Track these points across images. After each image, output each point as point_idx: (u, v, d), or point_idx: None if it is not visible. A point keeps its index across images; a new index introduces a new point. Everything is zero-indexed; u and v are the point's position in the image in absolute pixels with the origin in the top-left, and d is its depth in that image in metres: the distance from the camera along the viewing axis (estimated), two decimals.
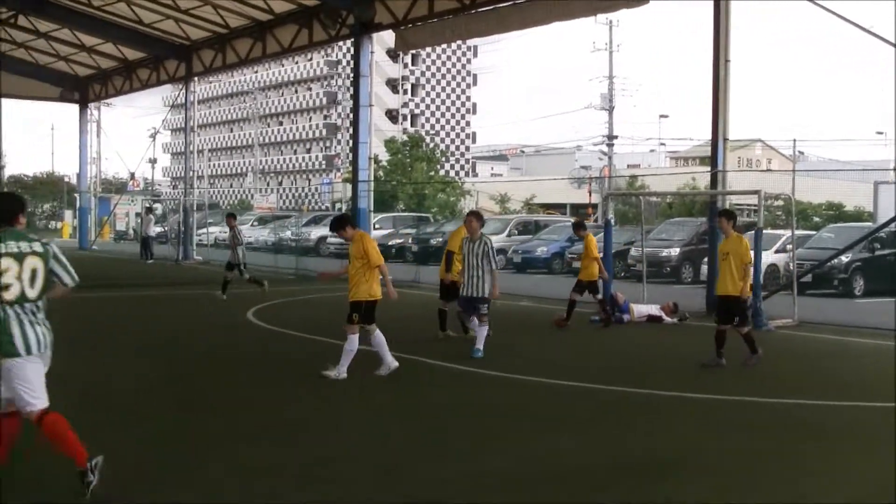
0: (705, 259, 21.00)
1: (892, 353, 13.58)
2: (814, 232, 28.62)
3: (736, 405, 9.92)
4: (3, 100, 38.50)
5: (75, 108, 45.02)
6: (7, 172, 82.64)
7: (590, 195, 61.57)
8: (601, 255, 16.58)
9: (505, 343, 13.76)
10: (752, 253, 12.22)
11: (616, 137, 65.86)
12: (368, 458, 7.51)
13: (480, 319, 12.74)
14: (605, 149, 66.39)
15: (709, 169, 19.18)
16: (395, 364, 10.95)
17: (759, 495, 6.66)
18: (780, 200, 28.02)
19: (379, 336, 10.92)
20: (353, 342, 10.78)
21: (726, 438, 8.36)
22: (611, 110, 65.44)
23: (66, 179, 75.62)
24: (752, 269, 12.18)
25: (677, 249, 28.38)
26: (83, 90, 43.83)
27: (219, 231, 49.64)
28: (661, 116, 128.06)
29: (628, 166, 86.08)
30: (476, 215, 13.14)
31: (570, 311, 16.45)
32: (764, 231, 18.35)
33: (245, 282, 20.90)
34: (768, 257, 23.35)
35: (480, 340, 12.55)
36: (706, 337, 15.26)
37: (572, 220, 21.57)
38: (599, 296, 16.81)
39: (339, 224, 11.31)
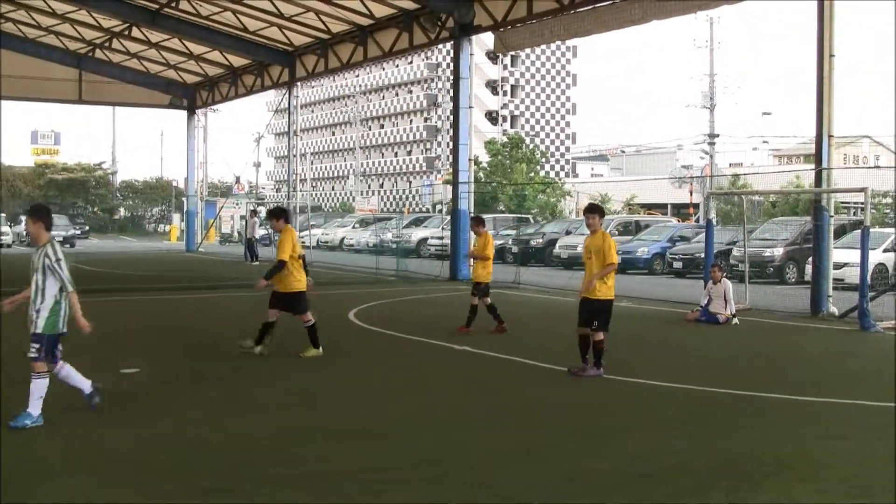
0: (810, 259, 20.57)
1: None
2: None
3: (842, 408, 9.74)
4: (117, 108, 39.91)
5: (183, 114, 46.39)
6: (119, 178, 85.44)
7: (691, 195, 60.71)
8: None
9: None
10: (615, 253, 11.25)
11: (717, 136, 64.86)
12: (465, 458, 7.62)
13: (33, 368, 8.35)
14: (707, 147, 65.42)
15: (813, 167, 18.78)
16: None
17: (865, 500, 6.55)
18: (889, 198, 27.32)
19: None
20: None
21: (833, 442, 8.21)
22: (712, 108, 64.47)
23: (175, 184, 77.66)
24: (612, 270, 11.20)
25: (781, 249, 27.84)
26: (191, 97, 45.12)
27: (321, 233, 50.62)
28: (764, 114, 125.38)
29: (730, 165, 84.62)
30: (33, 212, 8.70)
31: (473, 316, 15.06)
32: (871, 229, 17.91)
33: None
34: (876, 256, 22.80)
35: (33, 400, 8.31)
36: (821, 338, 15.04)
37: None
38: (488, 300, 15.25)
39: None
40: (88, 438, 8.12)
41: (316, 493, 6.62)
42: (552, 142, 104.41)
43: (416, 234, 42.82)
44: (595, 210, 11.58)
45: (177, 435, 8.28)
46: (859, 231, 17.79)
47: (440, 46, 62.77)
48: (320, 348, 12.51)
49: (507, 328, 15.04)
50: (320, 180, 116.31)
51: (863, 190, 17.40)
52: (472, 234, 15.86)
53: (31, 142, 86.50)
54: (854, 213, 36.87)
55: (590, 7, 23.06)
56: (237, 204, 60.68)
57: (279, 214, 12.89)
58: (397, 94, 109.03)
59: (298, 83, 37.87)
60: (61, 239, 50.09)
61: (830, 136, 18.27)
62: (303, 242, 37.62)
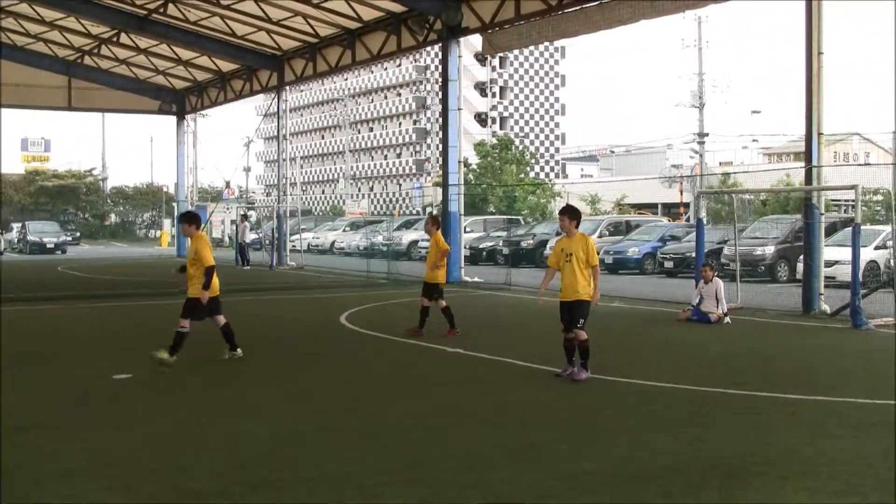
0: (801, 257, 20.64)
1: None
2: None
3: (834, 406, 9.77)
4: (106, 114, 39.89)
5: (173, 119, 46.37)
6: (110, 184, 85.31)
7: (681, 194, 60.83)
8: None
9: (595, 344, 13.74)
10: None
11: (707, 135, 65.01)
12: (459, 460, 7.62)
13: None
14: (696, 147, 65.57)
15: (803, 164, 18.83)
16: None
17: (856, 499, 6.57)
18: (879, 195, 27.40)
19: None
20: None
21: (825, 440, 8.22)
22: (701, 107, 64.64)
23: (165, 189, 77.60)
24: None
25: (772, 247, 27.91)
26: (180, 102, 45.13)
27: (311, 237, 50.55)
28: (754, 112, 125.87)
29: (720, 164, 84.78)
30: None
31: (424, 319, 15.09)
32: (862, 227, 17.94)
33: None
34: (867, 254, 22.87)
35: None
36: (813, 336, 15.07)
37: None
38: (443, 303, 15.15)
39: None
40: (84, 441, 8.10)
41: (313, 495, 6.60)
42: (542, 143, 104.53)
43: (407, 236, 42.81)
44: (566, 212, 11.16)
45: (172, 437, 8.27)
46: (850, 228, 17.82)
47: (428, 49, 62.80)
48: (174, 357, 11.72)
49: (460, 332, 14.79)
50: (310, 184, 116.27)
51: (853, 187, 17.43)
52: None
53: (22, 149, 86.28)
54: (845, 211, 37.01)
55: (577, 7, 23.08)
56: (227, 209, 60.58)
57: (192, 219, 12.47)
58: (386, 97, 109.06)
59: (287, 87, 37.85)
60: (53, 245, 50.24)
61: (820, 134, 18.31)
62: (293, 246, 37.90)
